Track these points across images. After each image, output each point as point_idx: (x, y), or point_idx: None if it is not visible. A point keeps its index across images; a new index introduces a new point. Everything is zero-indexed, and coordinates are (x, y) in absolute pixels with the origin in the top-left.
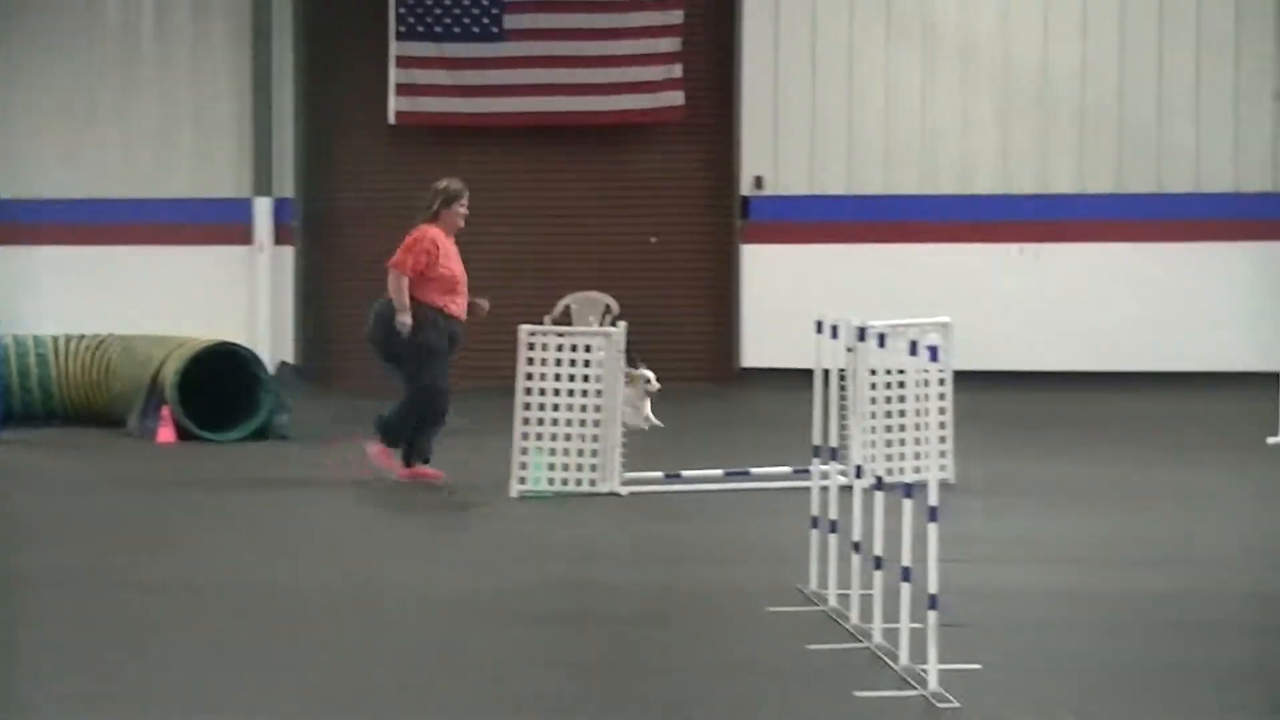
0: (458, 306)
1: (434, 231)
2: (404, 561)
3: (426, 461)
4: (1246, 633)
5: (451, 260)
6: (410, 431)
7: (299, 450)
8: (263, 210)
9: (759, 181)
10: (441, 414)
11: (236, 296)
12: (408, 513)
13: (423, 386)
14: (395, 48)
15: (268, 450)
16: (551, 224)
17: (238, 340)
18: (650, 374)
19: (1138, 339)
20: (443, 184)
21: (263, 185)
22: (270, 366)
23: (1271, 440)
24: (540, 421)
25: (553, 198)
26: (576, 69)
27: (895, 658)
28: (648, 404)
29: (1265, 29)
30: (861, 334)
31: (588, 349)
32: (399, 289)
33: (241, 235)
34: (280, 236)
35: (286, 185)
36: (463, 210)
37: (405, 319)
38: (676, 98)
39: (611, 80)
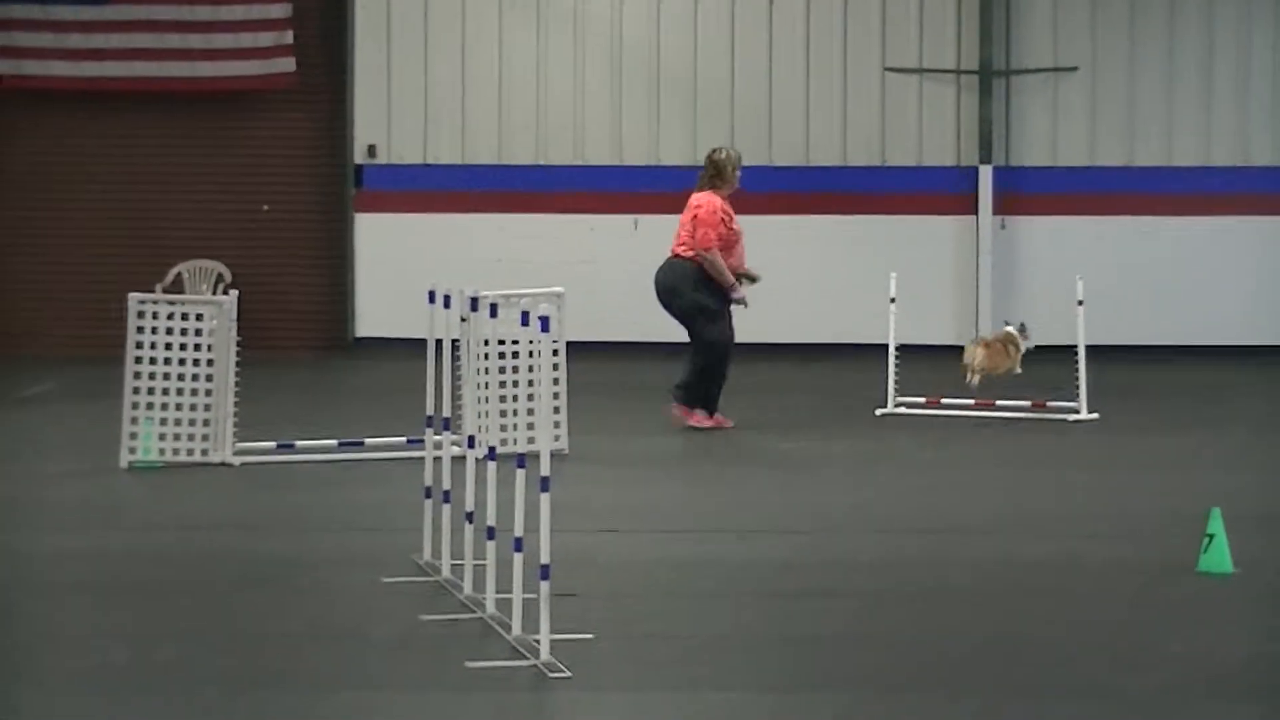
0: (735, 264)
1: (718, 200)
2: (10, 532)
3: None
4: (854, 600)
5: (733, 221)
6: (703, 385)
7: None
8: None
9: (372, 150)
10: (723, 365)
11: None
12: (13, 483)
13: (707, 343)
14: None
15: None
16: (162, 191)
17: None
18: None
19: (748, 311)
20: (722, 154)
21: None
22: None
23: (880, 411)
24: (151, 391)
25: (163, 164)
26: (185, 34)
27: (508, 628)
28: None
29: (870, 9)
30: (474, 304)
31: (199, 318)
32: (718, 268)
33: None
34: None
35: None
36: (737, 175)
37: (737, 293)
38: (288, 64)
39: (221, 46)
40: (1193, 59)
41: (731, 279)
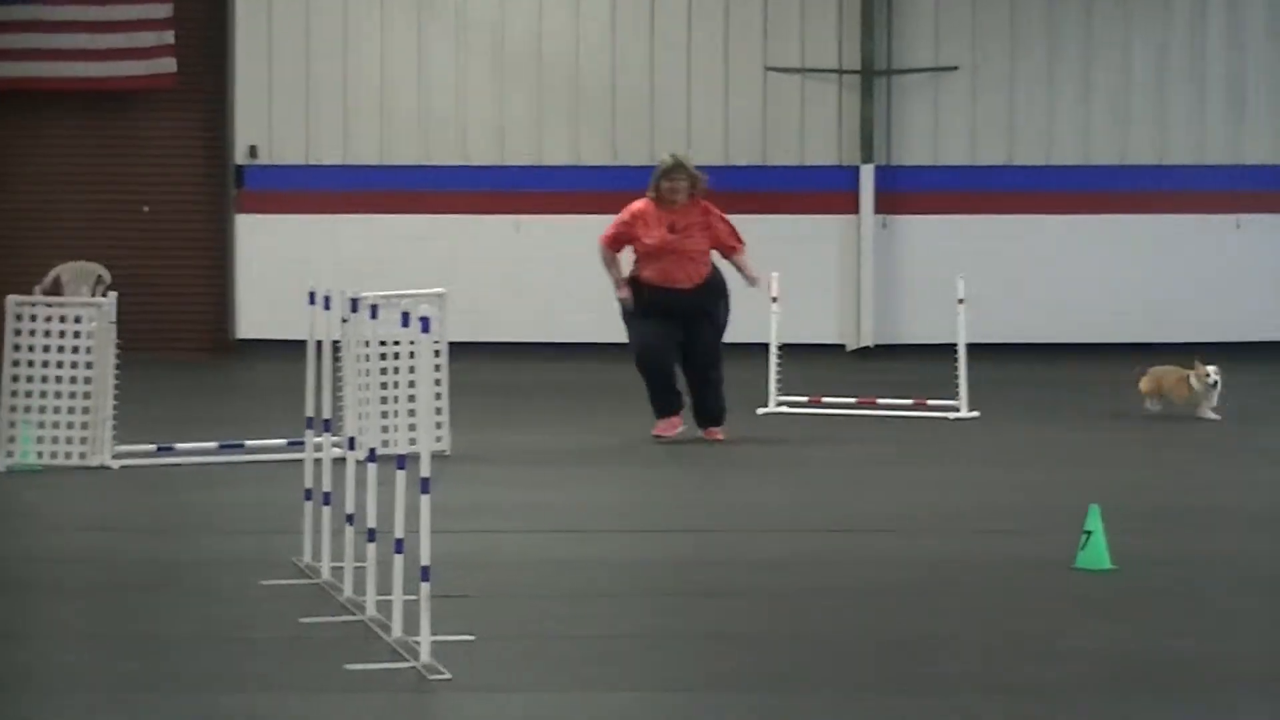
0: (651, 272)
1: (637, 203)
2: None
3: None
4: (739, 600)
5: (649, 231)
6: (653, 396)
7: None
8: None
9: (253, 151)
10: (649, 372)
11: None
12: None
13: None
14: None
15: None
16: (41, 192)
17: None
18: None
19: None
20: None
21: None
22: None
23: (761, 410)
24: (29, 394)
25: (43, 165)
26: (65, 34)
27: (389, 630)
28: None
29: (752, 9)
30: (354, 305)
31: (78, 320)
32: (604, 265)
33: None
34: None
35: None
36: (665, 185)
37: (620, 292)
38: (169, 64)
39: (101, 46)
40: (1073, 59)
41: (616, 279)
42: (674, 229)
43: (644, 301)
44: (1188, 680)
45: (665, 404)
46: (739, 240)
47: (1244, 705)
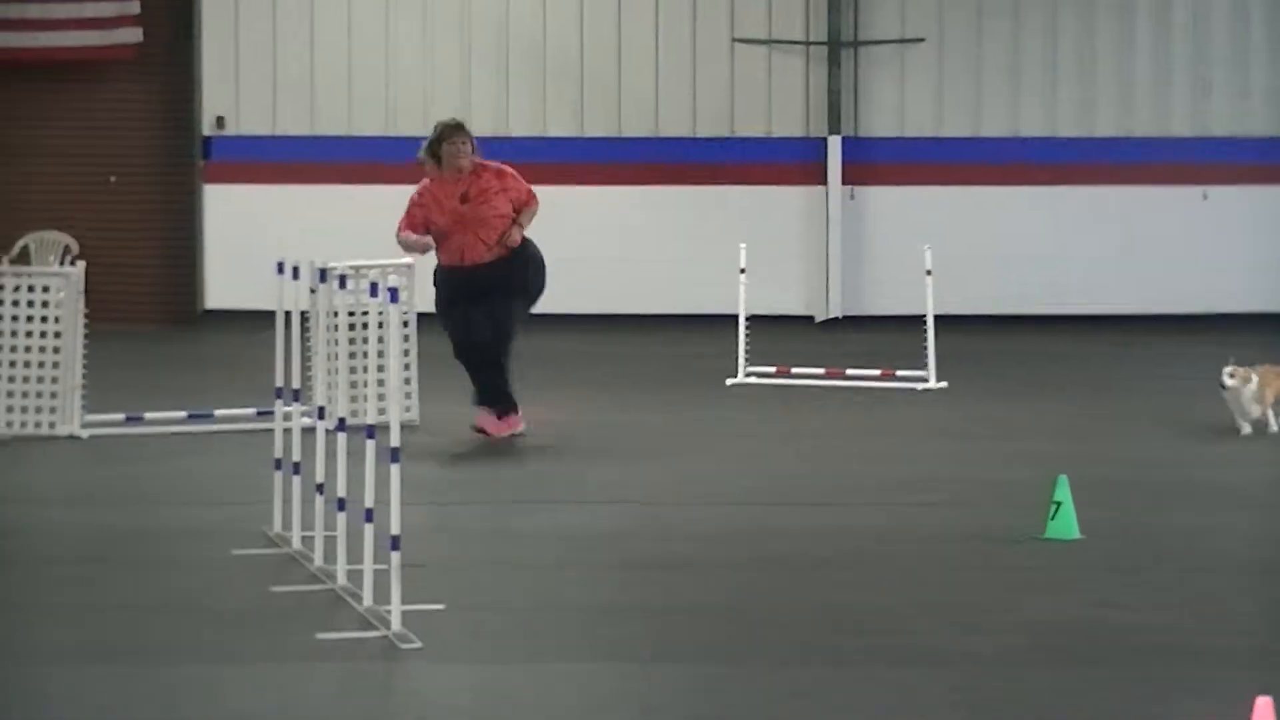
0: (445, 254)
1: (424, 184)
2: None
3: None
4: (697, 571)
5: (440, 207)
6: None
7: None
8: None
9: (220, 121)
10: (471, 367)
11: None
12: None
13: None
14: None
15: None
16: (7, 162)
17: None
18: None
19: (598, 281)
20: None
21: None
22: None
23: (730, 381)
24: None
25: (8, 135)
26: (26, 3)
27: (359, 599)
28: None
29: None
30: (323, 275)
31: (46, 289)
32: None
33: None
34: None
35: None
36: (449, 150)
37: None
38: (133, 34)
39: (63, 15)
40: (1038, 31)
41: (417, 240)
42: (465, 198)
43: (450, 289)
44: (1135, 652)
45: (486, 399)
46: (534, 196)
47: (1186, 674)
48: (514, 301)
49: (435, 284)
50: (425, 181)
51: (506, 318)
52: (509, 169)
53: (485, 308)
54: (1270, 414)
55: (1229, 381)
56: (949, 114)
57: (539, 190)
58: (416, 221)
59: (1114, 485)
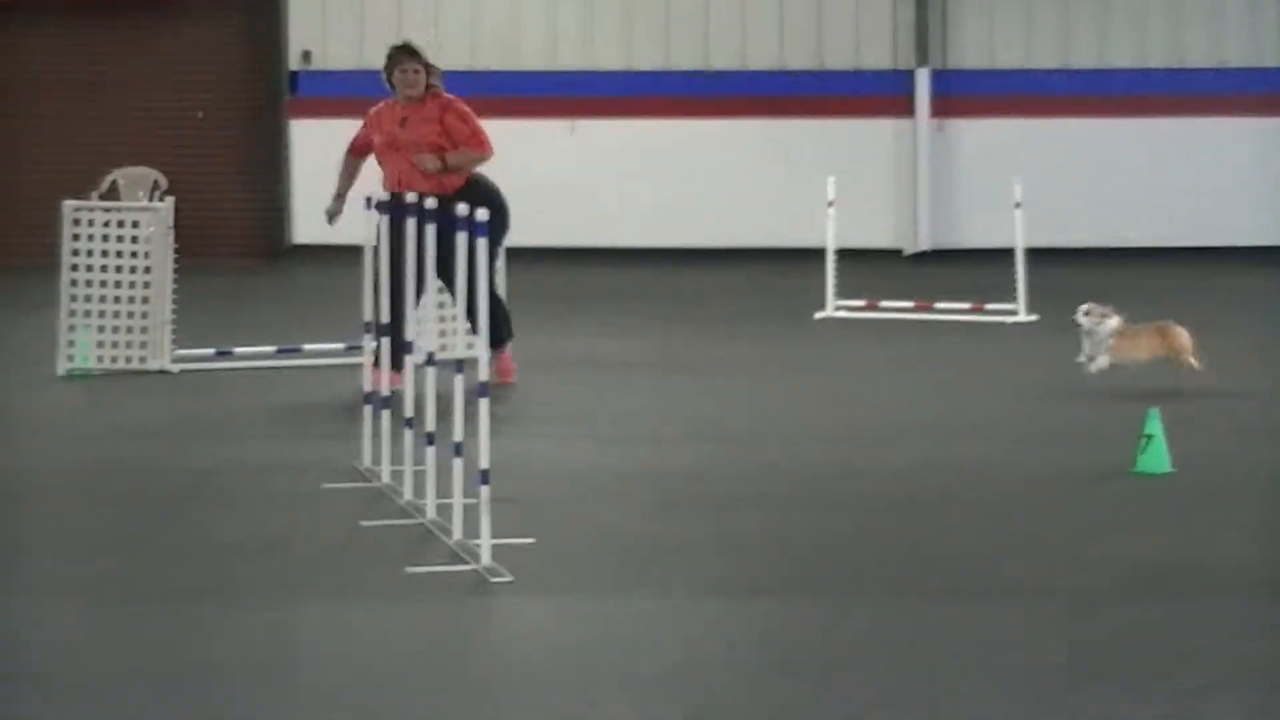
0: (386, 180)
1: (379, 105)
2: None
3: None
4: (786, 507)
5: (381, 128)
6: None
7: None
8: None
9: (307, 56)
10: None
11: None
12: None
13: None
14: None
15: None
16: (98, 98)
17: None
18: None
19: (686, 215)
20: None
21: None
22: None
23: (819, 315)
24: (88, 299)
25: (98, 71)
26: None
27: (449, 533)
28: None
29: None
30: (408, 210)
31: (135, 224)
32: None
33: None
34: None
35: None
36: (403, 78)
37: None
38: None
39: None
40: None
41: (337, 191)
42: (404, 123)
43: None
44: (1227, 587)
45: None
46: (479, 142)
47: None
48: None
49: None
50: (385, 101)
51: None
52: (462, 106)
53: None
54: (1102, 362)
55: (1082, 320)
56: (1037, 45)
57: (627, 125)
58: (359, 141)
59: (1206, 419)
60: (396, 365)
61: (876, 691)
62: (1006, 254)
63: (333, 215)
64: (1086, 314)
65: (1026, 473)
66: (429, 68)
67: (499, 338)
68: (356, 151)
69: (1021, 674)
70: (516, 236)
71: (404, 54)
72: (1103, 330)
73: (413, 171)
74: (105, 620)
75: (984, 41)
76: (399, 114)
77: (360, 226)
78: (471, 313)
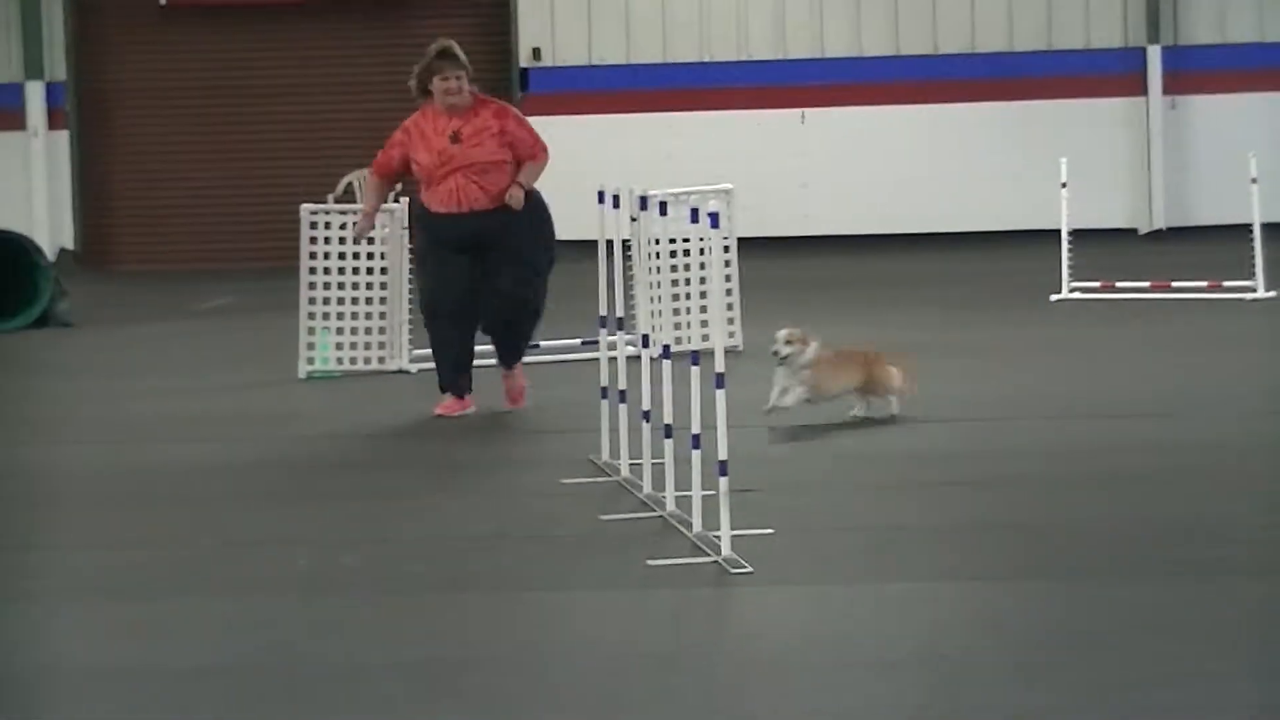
0: (436, 199)
1: (415, 116)
2: (197, 444)
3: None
4: (1030, 488)
5: (427, 143)
6: (437, 365)
7: (80, 337)
8: (35, 94)
9: (537, 53)
10: (434, 334)
11: (12, 183)
12: (197, 396)
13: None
14: None
15: (51, 337)
16: (331, 101)
17: (14, 228)
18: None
19: (917, 201)
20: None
21: (33, 69)
22: (49, 253)
23: (1055, 297)
24: (326, 301)
25: (330, 74)
26: None
27: (688, 525)
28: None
29: None
30: (643, 203)
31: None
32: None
33: (14, 121)
34: (53, 121)
35: (58, 68)
36: (442, 86)
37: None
38: None
39: None
40: None
41: (365, 209)
42: (458, 138)
43: (433, 237)
44: None
45: (449, 379)
46: (542, 150)
47: None
48: (522, 268)
49: (417, 230)
50: (419, 112)
51: (521, 291)
52: (512, 110)
53: (469, 270)
54: (790, 398)
55: (783, 349)
56: (1270, 18)
57: (858, 113)
58: (393, 161)
59: None
60: (459, 390)
61: (1133, 670)
62: (1243, 230)
63: (361, 233)
64: (788, 343)
65: (1271, 447)
66: (469, 70)
67: (522, 353)
68: (387, 175)
69: None
70: (749, 228)
71: (445, 60)
72: (802, 359)
73: (471, 186)
74: (358, 613)
75: (1215, 16)
76: (444, 127)
77: (593, 220)
78: (510, 325)
